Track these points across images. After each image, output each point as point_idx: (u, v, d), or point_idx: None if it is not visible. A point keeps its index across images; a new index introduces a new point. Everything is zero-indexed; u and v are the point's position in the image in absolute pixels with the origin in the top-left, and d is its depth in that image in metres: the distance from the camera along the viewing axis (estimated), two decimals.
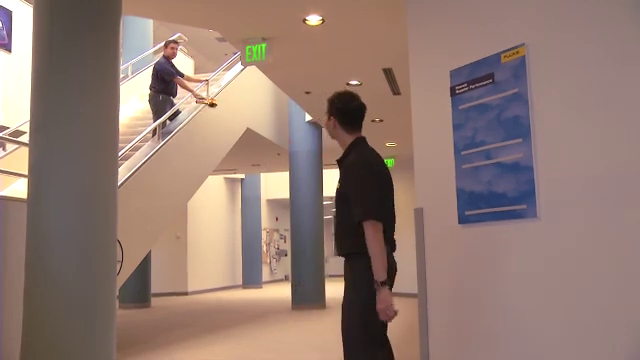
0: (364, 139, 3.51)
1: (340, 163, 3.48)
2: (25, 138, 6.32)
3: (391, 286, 3.18)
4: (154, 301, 14.06)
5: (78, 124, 4.83)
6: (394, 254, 3.40)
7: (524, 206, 3.54)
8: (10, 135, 7.17)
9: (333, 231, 3.61)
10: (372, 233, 3.10)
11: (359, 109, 3.47)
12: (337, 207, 3.36)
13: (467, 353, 3.96)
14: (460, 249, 4.02)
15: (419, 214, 4.32)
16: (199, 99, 9.15)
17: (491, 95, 3.79)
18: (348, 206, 3.23)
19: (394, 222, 3.44)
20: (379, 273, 3.05)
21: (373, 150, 3.51)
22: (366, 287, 3.09)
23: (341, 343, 3.37)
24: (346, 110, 3.43)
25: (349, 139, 3.47)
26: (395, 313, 3.05)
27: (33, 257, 4.71)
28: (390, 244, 3.30)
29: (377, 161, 3.45)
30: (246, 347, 7.29)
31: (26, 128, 6.45)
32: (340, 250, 3.30)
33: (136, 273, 11.04)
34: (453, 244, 4.07)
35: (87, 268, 4.73)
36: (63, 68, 4.80)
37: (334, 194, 3.52)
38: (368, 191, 3.22)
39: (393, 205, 3.47)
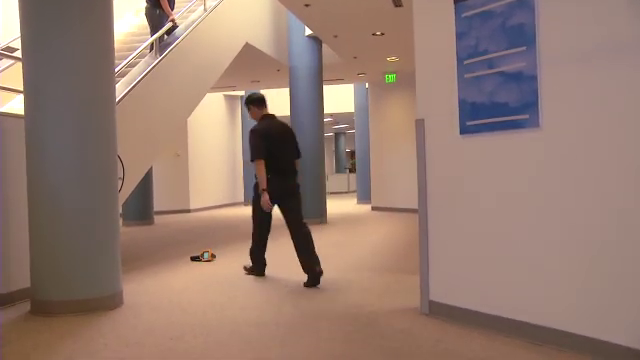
0: (269, 115, 6.14)
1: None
2: (18, 54, 6.18)
3: (281, 197, 5.86)
4: (157, 219, 14.24)
5: (72, 39, 4.73)
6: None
7: (526, 116, 3.50)
8: (3, 51, 7.02)
9: None
10: (256, 167, 5.78)
11: (262, 97, 6.23)
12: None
13: (466, 264, 4.01)
14: (461, 160, 4.01)
15: (420, 125, 4.28)
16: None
17: (496, 1, 3.67)
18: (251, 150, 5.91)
19: (285, 159, 5.95)
20: (261, 185, 5.76)
21: (272, 121, 6.09)
22: (256, 192, 5.89)
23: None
24: (256, 99, 6.19)
25: (260, 118, 6.11)
26: (269, 209, 5.84)
27: (34, 176, 4.72)
28: (282, 172, 5.86)
29: (269, 126, 5.99)
30: (248, 260, 7.42)
31: (17, 44, 6.31)
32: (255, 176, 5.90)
33: (138, 191, 11.11)
34: (454, 155, 4.06)
35: (89, 185, 4.75)
36: None
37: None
38: (253, 145, 5.88)
39: (284, 150, 5.94)
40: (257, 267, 6.27)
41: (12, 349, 3.80)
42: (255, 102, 6.16)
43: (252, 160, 5.82)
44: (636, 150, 3.02)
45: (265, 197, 5.71)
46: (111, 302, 4.81)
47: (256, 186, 5.89)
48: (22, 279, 4.98)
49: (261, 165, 5.72)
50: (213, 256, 7.33)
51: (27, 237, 4.78)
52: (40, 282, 4.70)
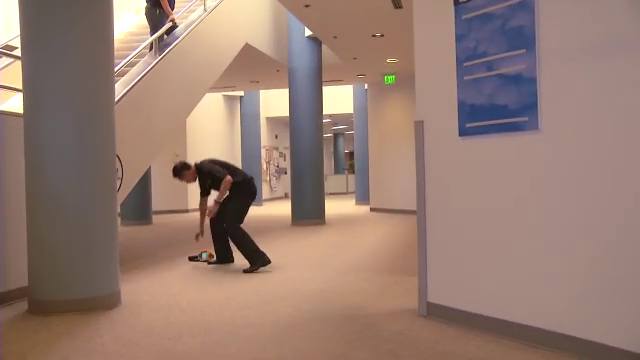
0: (197, 163, 7.10)
1: (200, 175, 6.99)
2: (17, 53, 6.18)
3: (251, 199, 6.97)
4: (155, 218, 14.24)
5: (72, 39, 4.72)
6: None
7: (525, 118, 3.50)
8: (2, 49, 7.01)
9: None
10: (226, 182, 6.66)
11: (185, 162, 7.13)
12: (211, 181, 6.94)
13: (464, 265, 4.01)
14: (460, 161, 4.01)
15: (419, 127, 4.28)
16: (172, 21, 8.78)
17: (496, 4, 3.68)
18: (216, 178, 6.82)
19: (238, 173, 6.95)
20: (218, 196, 6.83)
21: (205, 161, 7.12)
22: (236, 199, 6.87)
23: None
24: (182, 166, 7.06)
25: (194, 169, 7.01)
26: (212, 216, 6.99)
27: (33, 175, 4.71)
28: (244, 178, 6.90)
29: (209, 159, 7.14)
30: (246, 261, 7.41)
31: (17, 43, 6.32)
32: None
33: (137, 191, 11.09)
34: (453, 156, 4.06)
35: (88, 184, 4.74)
36: None
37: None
38: (214, 170, 6.84)
39: (234, 169, 7.04)
40: (258, 260, 6.52)
41: (10, 348, 3.80)
42: (184, 167, 7.04)
43: (221, 179, 6.69)
44: (636, 151, 3.02)
45: (216, 208, 6.80)
46: (109, 301, 4.80)
47: (231, 190, 6.73)
48: (20, 278, 4.97)
49: (229, 182, 6.65)
50: (211, 256, 7.33)
51: (25, 236, 4.78)
52: (38, 281, 4.69)
